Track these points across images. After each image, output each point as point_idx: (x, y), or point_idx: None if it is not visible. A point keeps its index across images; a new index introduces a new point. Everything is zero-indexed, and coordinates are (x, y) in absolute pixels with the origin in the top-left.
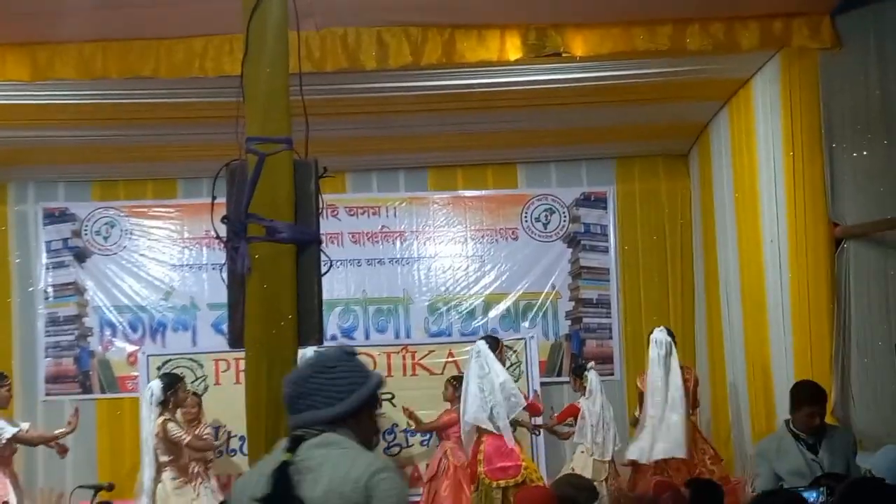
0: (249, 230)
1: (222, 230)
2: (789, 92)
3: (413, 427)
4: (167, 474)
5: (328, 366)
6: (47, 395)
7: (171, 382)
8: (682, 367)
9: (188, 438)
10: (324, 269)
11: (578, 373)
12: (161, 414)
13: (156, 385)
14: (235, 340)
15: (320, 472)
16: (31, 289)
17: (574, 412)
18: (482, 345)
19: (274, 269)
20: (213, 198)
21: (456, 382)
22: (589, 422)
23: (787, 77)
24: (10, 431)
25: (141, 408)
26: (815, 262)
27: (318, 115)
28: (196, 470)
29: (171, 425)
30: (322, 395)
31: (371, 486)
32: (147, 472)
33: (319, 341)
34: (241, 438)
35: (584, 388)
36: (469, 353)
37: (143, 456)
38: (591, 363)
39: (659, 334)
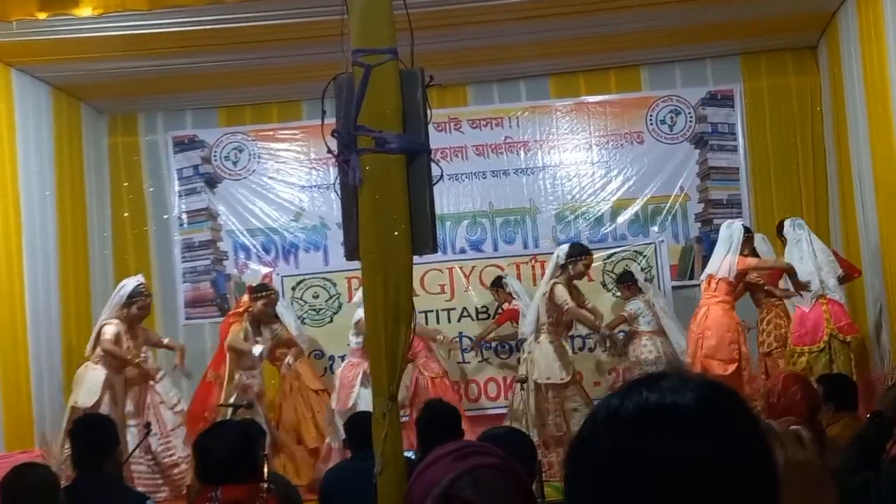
0: (359, 142)
1: (334, 145)
2: None
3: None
4: (545, 336)
5: None
6: (187, 319)
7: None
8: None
9: (570, 305)
10: (435, 179)
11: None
12: (554, 276)
13: (562, 250)
14: (351, 253)
15: None
16: (165, 216)
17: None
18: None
19: (385, 179)
20: (323, 112)
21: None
22: None
23: None
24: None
25: None
26: None
27: (431, 28)
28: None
29: (559, 288)
30: None
31: None
32: None
33: (433, 249)
34: None
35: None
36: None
37: None
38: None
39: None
